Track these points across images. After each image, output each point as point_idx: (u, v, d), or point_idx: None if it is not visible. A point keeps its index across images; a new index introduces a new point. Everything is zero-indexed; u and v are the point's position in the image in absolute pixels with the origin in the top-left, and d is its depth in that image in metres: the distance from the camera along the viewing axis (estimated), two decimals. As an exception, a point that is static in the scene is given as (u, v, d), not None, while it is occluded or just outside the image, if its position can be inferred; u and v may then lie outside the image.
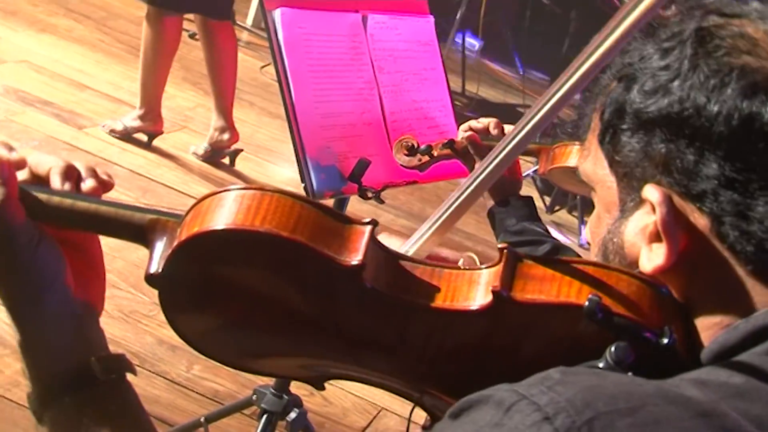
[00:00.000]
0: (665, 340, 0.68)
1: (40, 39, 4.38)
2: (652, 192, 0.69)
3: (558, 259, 0.73)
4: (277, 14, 1.55)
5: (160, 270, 0.74)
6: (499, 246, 0.74)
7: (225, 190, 0.73)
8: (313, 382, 0.86)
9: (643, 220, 0.71)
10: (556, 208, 4.28)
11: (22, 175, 0.80)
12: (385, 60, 1.78)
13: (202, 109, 4.08)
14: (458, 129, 1.62)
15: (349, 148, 1.67)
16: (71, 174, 0.81)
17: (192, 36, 4.58)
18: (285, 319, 0.77)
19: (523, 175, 3.27)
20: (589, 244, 0.85)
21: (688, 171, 0.67)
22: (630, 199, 0.73)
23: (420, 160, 1.59)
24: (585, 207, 4.12)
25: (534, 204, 1.50)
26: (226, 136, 3.56)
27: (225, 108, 3.57)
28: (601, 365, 0.66)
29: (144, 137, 3.59)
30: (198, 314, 0.78)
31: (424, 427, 0.85)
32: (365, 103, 1.73)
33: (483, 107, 5.26)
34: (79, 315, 0.80)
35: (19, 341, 0.79)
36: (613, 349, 0.66)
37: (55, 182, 0.80)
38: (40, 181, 0.80)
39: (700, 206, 0.67)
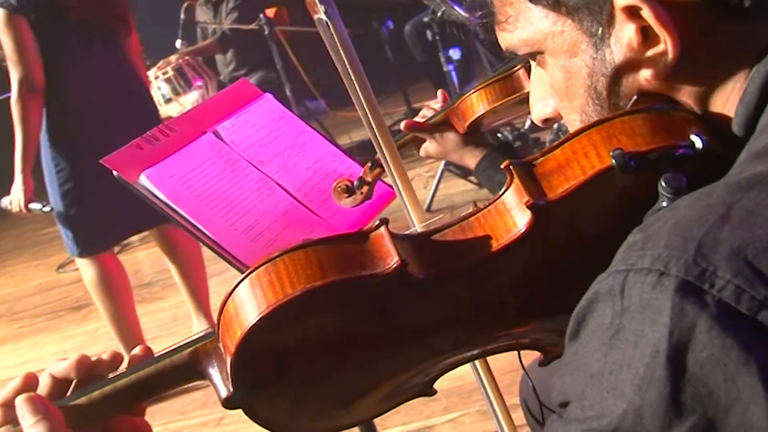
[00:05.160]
0: (699, 145, 0.67)
1: (-31, 364, 4.30)
2: None
3: (559, 142, 0.72)
4: (144, 180, 1.56)
5: (231, 389, 0.72)
6: (502, 166, 0.73)
7: (238, 284, 0.70)
8: (423, 392, 0.84)
9: (625, 35, 0.70)
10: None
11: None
12: (259, 153, 1.80)
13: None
14: (361, 165, 1.69)
15: (286, 242, 1.67)
16: (87, 363, 0.79)
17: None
18: (369, 351, 0.75)
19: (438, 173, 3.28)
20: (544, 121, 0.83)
21: None
22: (597, 24, 0.70)
23: (362, 192, 1.64)
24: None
25: (510, 146, 1.53)
26: None
27: (204, 308, 3.45)
28: (665, 204, 0.65)
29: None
30: (288, 399, 0.77)
31: (541, 364, 0.83)
32: (271, 198, 1.74)
33: (363, 149, 5.35)
34: None
35: None
36: (663, 183, 0.65)
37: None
38: (68, 384, 0.78)
39: None
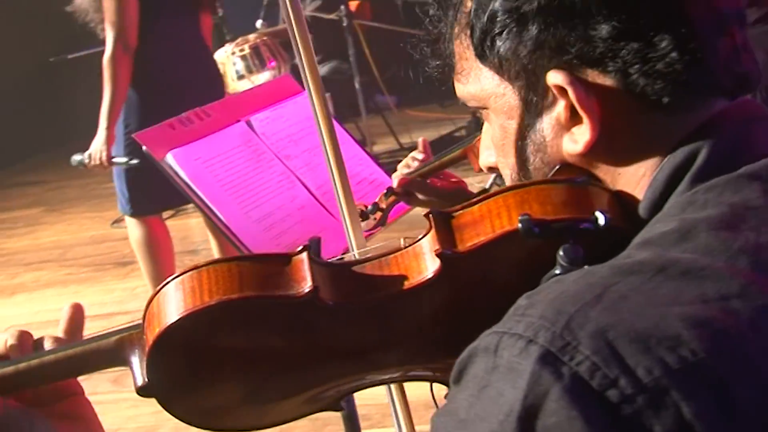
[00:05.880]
0: (602, 222, 0.71)
1: (14, 301, 4.51)
2: (555, 77, 0.72)
3: (480, 198, 0.76)
4: (170, 159, 1.65)
5: (145, 379, 0.78)
6: (424, 214, 0.78)
7: (165, 285, 0.77)
8: (328, 407, 0.90)
9: (554, 109, 0.74)
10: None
11: None
12: (287, 147, 1.88)
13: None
14: (389, 175, 1.74)
15: (296, 236, 1.75)
16: (26, 338, 0.86)
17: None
18: (278, 364, 0.81)
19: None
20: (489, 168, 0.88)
21: (581, 42, 0.70)
22: (533, 94, 0.75)
23: (375, 218, 1.67)
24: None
25: None
26: None
27: None
28: (558, 271, 0.69)
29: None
30: (200, 397, 0.83)
31: (446, 397, 0.89)
32: (290, 192, 1.82)
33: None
34: None
35: None
36: (561, 252, 0.70)
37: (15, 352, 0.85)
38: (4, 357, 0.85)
39: (602, 69, 0.70)
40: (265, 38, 5.30)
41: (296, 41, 0.92)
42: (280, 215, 1.76)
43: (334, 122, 2.01)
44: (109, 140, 3.18)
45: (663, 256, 0.64)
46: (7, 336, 0.86)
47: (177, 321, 0.74)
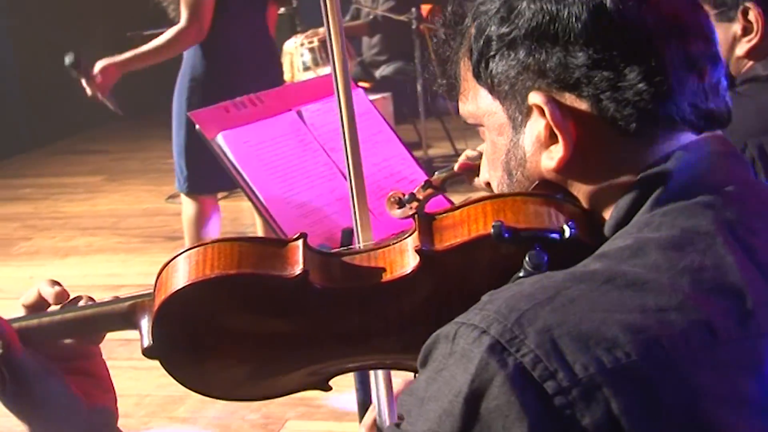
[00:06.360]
0: (567, 234, 0.78)
1: (66, 263, 4.67)
2: (535, 97, 0.79)
3: (463, 203, 0.83)
4: (220, 139, 1.73)
5: (151, 341, 0.86)
6: (409, 214, 0.86)
7: (175, 257, 0.85)
8: (319, 386, 0.96)
9: (536, 127, 0.80)
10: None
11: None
12: (333, 140, 1.95)
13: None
14: (427, 176, 1.80)
15: (331, 225, 1.82)
16: (64, 296, 0.93)
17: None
18: (272, 342, 0.88)
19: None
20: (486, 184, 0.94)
21: (560, 67, 0.77)
22: (518, 113, 0.82)
23: (411, 207, 1.74)
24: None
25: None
26: None
27: None
28: (521, 274, 0.76)
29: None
30: (199, 364, 0.90)
31: None
32: (330, 183, 1.89)
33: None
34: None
35: None
36: (527, 258, 0.76)
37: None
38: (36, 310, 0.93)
39: (578, 93, 0.77)
40: (334, 33, 5.38)
41: (331, 43, 0.98)
42: (318, 204, 1.83)
43: (383, 121, 2.09)
44: (112, 72, 3.34)
45: (612, 268, 0.71)
46: (40, 286, 0.93)
47: (181, 289, 0.82)
